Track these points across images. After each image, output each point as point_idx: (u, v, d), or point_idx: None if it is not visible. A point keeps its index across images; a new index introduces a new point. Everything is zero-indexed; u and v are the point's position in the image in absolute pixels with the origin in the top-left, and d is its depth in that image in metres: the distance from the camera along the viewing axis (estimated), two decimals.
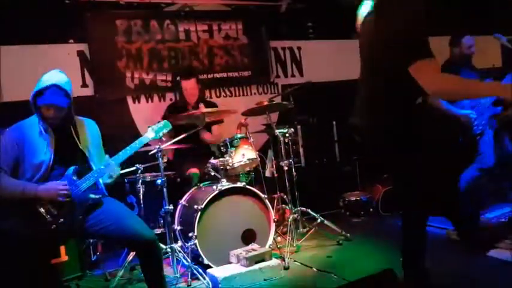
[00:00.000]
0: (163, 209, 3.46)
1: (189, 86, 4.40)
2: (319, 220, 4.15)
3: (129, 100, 4.83)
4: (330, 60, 5.83)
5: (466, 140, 3.82)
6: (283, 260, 3.49)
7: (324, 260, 3.63)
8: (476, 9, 5.80)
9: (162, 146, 3.43)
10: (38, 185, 2.53)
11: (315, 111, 5.43)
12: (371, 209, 4.88)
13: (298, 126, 5.13)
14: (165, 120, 3.06)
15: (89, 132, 2.83)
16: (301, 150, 5.14)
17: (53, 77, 2.63)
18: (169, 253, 3.39)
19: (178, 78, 4.77)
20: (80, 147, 2.72)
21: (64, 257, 3.48)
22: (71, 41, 4.58)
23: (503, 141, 3.95)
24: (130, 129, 4.68)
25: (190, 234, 3.40)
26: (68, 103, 2.65)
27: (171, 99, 4.95)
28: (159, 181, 3.46)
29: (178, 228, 3.66)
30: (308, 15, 5.81)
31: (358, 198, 4.90)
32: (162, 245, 3.28)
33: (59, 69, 2.70)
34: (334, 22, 5.78)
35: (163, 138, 3.26)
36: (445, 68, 3.68)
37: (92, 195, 2.66)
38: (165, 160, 3.61)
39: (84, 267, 3.65)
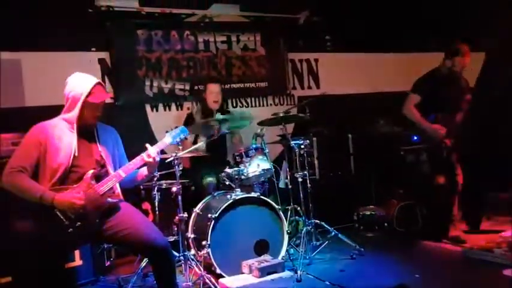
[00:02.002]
0: (177, 217, 3.47)
1: (216, 90, 4.47)
2: (332, 233, 4.13)
3: (148, 108, 4.90)
4: (346, 73, 5.85)
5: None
6: (296, 272, 3.47)
7: (337, 273, 3.59)
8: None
9: (178, 154, 3.45)
10: (56, 194, 2.54)
11: (330, 123, 5.42)
12: (385, 224, 4.82)
13: (314, 138, 5.12)
14: (182, 126, 3.08)
15: (110, 138, 2.88)
16: (316, 162, 5.12)
17: (89, 77, 2.73)
18: (182, 261, 3.39)
19: (197, 87, 4.83)
20: (100, 151, 2.76)
21: (78, 262, 3.52)
22: (93, 49, 4.68)
23: None
24: (147, 137, 4.71)
25: (203, 243, 3.41)
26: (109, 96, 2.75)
27: (188, 108, 5.00)
28: (174, 189, 3.48)
29: (192, 236, 3.67)
30: (326, 27, 5.84)
31: (372, 213, 4.85)
32: (175, 253, 3.29)
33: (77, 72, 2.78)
34: (352, 35, 5.81)
35: (180, 146, 3.28)
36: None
37: (110, 200, 2.69)
38: (181, 168, 3.63)
39: (97, 273, 3.68)
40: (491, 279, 3.22)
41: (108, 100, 4.59)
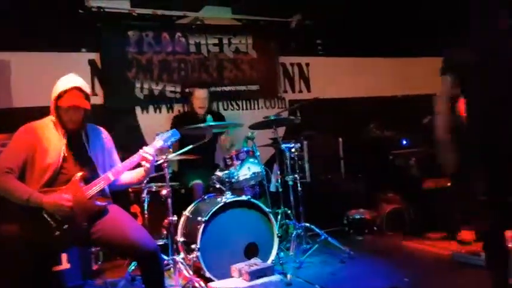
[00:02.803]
0: (167, 220, 3.45)
1: (202, 96, 4.47)
2: (323, 237, 4.13)
3: (138, 110, 4.87)
4: (337, 77, 5.87)
5: None
6: (286, 276, 3.46)
7: (327, 277, 3.59)
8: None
9: (168, 157, 3.43)
10: (44, 196, 2.51)
11: (321, 127, 5.43)
12: (375, 228, 4.84)
13: (305, 142, 5.13)
14: (174, 129, 3.06)
15: (100, 139, 2.85)
16: (306, 165, 5.12)
17: (72, 80, 2.66)
18: (171, 264, 3.37)
19: (187, 90, 4.82)
20: (89, 153, 2.73)
21: (66, 265, 3.47)
22: (83, 49, 4.64)
23: None
24: (137, 139, 4.70)
25: (193, 246, 3.39)
26: (88, 106, 2.67)
27: (179, 111, 4.98)
28: (163, 192, 3.46)
29: (182, 239, 3.64)
30: (317, 32, 5.86)
31: (362, 216, 4.86)
32: (164, 256, 3.27)
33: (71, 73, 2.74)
34: (343, 40, 5.84)
35: (171, 149, 3.26)
36: None
37: (98, 203, 2.66)
38: (171, 171, 3.62)
39: (85, 276, 3.63)
40: (479, 283, 3.23)
41: (98, 102, 4.59)
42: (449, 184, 4.31)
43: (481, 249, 3.17)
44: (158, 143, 2.92)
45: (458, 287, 3.25)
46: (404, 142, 5.20)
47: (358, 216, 4.88)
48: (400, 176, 5.08)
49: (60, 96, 2.62)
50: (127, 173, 2.85)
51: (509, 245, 3.08)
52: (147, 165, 2.77)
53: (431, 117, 4.16)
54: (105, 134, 2.93)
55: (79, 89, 2.65)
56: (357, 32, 5.79)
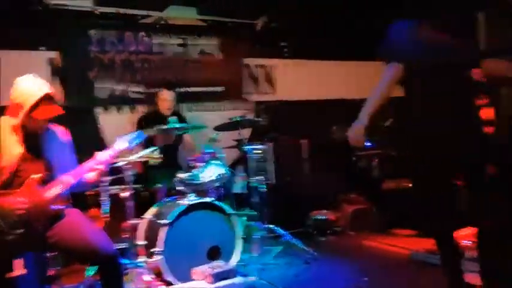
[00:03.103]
0: (127, 223, 3.39)
1: (170, 97, 4.44)
2: (286, 238, 4.15)
3: (99, 111, 4.75)
4: (302, 80, 5.92)
5: None
6: (249, 278, 3.45)
7: (290, 278, 3.60)
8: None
9: (130, 158, 3.37)
10: None
11: (286, 129, 5.47)
12: (339, 228, 4.90)
13: (270, 144, 5.15)
14: (139, 131, 3.01)
15: (59, 140, 2.77)
16: (271, 167, 5.15)
17: (38, 84, 2.57)
18: (132, 268, 3.31)
19: (151, 90, 4.75)
20: (47, 155, 2.65)
21: (21, 271, 3.35)
22: (42, 48, 4.50)
23: None
24: (98, 141, 4.59)
25: (153, 250, 3.33)
26: (61, 111, 2.60)
27: (143, 112, 4.89)
28: (124, 194, 3.39)
29: (142, 243, 3.57)
30: (283, 34, 5.90)
31: (326, 217, 4.91)
32: (124, 260, 3.20)
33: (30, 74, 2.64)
34: (308, 43, 5.89)
35: (134, 150, 3.21)
36: None
37: (55, 206, 2.58)
38: (133, 173, 3.55)
39: (42, 282, 3.51)
40: (436, 281, 3.32)
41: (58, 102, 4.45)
42: (410, 185, 4.42)
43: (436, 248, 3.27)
44: (122, 144, 2.85)
45: (416, 285, 3.33)
46: (367, 144, 5.30)
47: (322, 217, 4.92)
48: (363, 177, 5.19)
49: (36, 106, 2.52)
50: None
51: (463, 244, 3.20)
52: (102, 167, 2.70)
53: (393, 119, 4.28)
54: (63, 134, 2.85)
55: (50, 96, 2.58)
56: (322, 35, 5.86)
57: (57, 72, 4.54)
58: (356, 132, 2.62)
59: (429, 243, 3.99)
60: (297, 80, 5.90)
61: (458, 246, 2.65)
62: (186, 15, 5.26)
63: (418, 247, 4.01)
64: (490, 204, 2.51)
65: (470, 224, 2.82)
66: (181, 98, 5.08)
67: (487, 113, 3.65)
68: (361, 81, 6.20)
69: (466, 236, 3.20)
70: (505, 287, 2.45)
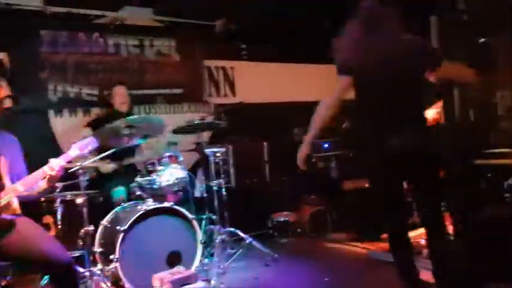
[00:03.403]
0: (83, 230, 3.28)
1: (122, 91, 4.36)
2: (247, 241, 4.13)
3: (51, 114, 4.57)
4: (262, 82, 5.93)
5: None
6: (210, 282, 3.42)
7: (251, 281, 3.60)
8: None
9: (84, 163, 3.26)
10: None
11: (246, 131, 5.46)
12: (298, 230, 4.93)
13: (230, 146, 5.12)
14: (92, 137, 2.91)
15: (7, 146, 2.65)
16: (231, 170, 5.12)
17: None
18: (88, 277, 3.20)
19: (106, 92, 4.63)
20: None
21: None
22: None
23: None
24: (50, 145, 4.41)
25: (111, 257, 3.24)
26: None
27: (97, 114, 4.75)
28: (79, 200, 3.29)
29: (99, 250, 3.47)
30: (242, 37, 5.89)
31: (286, 219, 4.94)
32: (80, 269, 3.10)
33: None
34: (267, 45, 5.91)
35: (89, 155, 3.10)
36: None
37: (5, 215, 2.46)
38: (87, 178, 3.43)
39: None
40: (392, 280, 3.40)
41: (7, 104, 4.24)
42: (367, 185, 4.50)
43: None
44: (74, 151, 2.75)
45: (375, 283, 3.39)
46: (326, 145, 5.37)
47: (282, 219, 4.95)
48: (322, 178, 5.25)
49: None
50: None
51: (422, 242, 3.29)
52: (54, 174, 2.59)
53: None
54: (11, 139, 2.72)
55: None
56: (282, 37, 5.89)
57: (4, 74, 4.33)
58: (299, 156, 2.71)
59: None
60: (257, 82, 5.90)
61: (411, 245, 2.71)
62: (142, 16, 5.15)
63: (377, 247, 4.10)
64: (438, 204, 2.60)
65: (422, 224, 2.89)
66: (138, 100, 4.97)
67: (437, 116, 3.79)
68: (320, 84, 6.30)
69: (421, 235, 3.30)
70: (456, 284, 2.54)
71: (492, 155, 4.35)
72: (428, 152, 2.49)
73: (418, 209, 2.75)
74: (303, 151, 2.70)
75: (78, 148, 2.78)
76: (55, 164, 2.58)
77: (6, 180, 2.55)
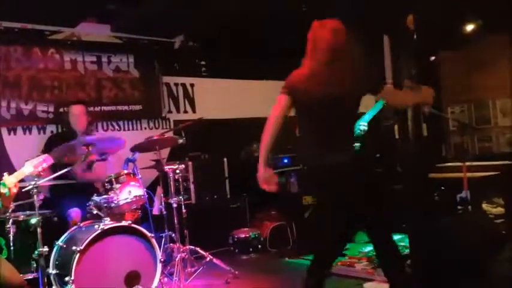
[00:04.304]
0: (36, 252, 3.16)
1: (78, 111, 4.25)
2: (208, 258, 4.11)
3: (4, 132, 4.43)
4: (221, 98, 5.97)
5: None
6: None
7: None
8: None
9: (38, 182, 3.15)
10: None
11: (206, 147, 5.45)
12: (259, 246, 4.94)
13: (190, 163, 5.10)
14: (46, 154, 2.84)
15: None
16: (191, 186, 5.09)
17: None
18: None
19: (62, 109, 4.52)
20: None
21: None
22: None
23: None
24: (3, 164, 4.25)
25: (66, 279, 3.13)
26: None
27: (52, 132, 4.63)
28: (33, 221, 3.17)
29: (54, 272, 3.34)
30: (201, 53, 5.93)
31: (247, 236, 4.94)
32: None
33: None
34: (226, 62, 5.97)
35: (42, 173, 3.01)
36: None
37: None
38: (41, 197, 3.32)
39: None
40: None
41: None
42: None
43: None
44: (27, 169, 2.68)
45: None
46: (285, 160, 5.44)
47: (243, 236, 4.95)
48: (282, 193, 5.29)
49: None
50: None
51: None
52: (7, 193, 2.50)
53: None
54: None
55: None
56: (241, 54, 5.96)
57: None
58: (259, 176, 2.74)
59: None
60: (217, 98, 5.94)
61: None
62: (99, 32, 5.10)
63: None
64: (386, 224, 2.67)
65: None
66: (96, 117, 4.88)
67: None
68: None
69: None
70: None
71: (445, 168, 4.56)
72: (358, 177, 2.54)
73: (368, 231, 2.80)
74: (260, 171, 2.70)
75: (33, 165, 2.71)
76: (9, 182, 2.50)
77: None
